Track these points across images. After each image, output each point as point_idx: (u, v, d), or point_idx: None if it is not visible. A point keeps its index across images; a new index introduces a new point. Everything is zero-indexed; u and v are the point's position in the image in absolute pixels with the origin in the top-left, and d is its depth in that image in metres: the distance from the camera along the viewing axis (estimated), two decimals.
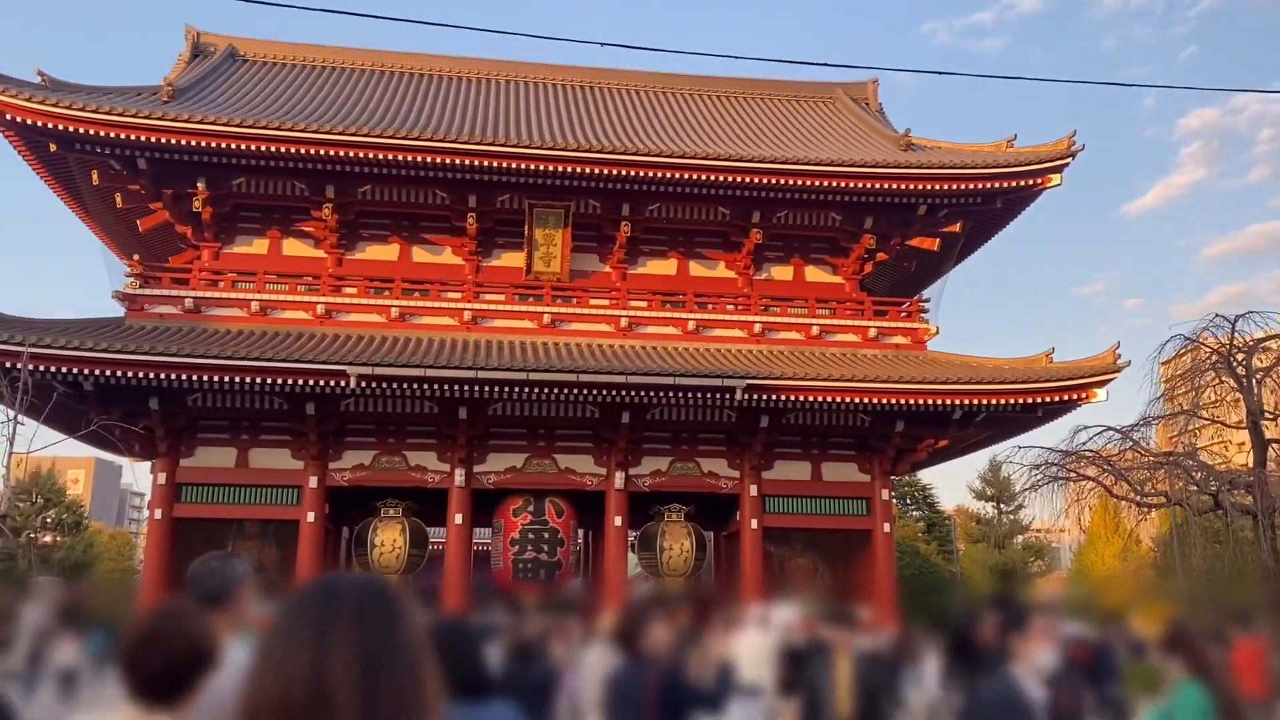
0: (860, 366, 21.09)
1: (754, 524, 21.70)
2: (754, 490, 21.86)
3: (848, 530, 22.16)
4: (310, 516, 20.50)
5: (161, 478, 20.42)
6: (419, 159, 20.01)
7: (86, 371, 18.17)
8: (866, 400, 20.10)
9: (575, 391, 19.50)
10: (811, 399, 19.99)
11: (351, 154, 19.77)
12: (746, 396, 19.51)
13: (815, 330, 22.80)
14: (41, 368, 17.75)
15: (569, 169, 20.38)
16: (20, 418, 15.40)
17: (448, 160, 20.08)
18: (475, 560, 22.98)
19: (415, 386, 18.99)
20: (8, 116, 18.80)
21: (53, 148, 19.64)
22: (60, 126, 18.91)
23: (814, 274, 24.22)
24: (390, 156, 19.91)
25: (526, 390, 19.39)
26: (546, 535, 21.46)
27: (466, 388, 19.09)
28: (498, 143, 20.04)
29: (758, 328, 22.49)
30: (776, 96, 28.16)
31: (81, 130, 18.99)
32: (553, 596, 21.77)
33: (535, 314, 21.90)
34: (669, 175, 20.66)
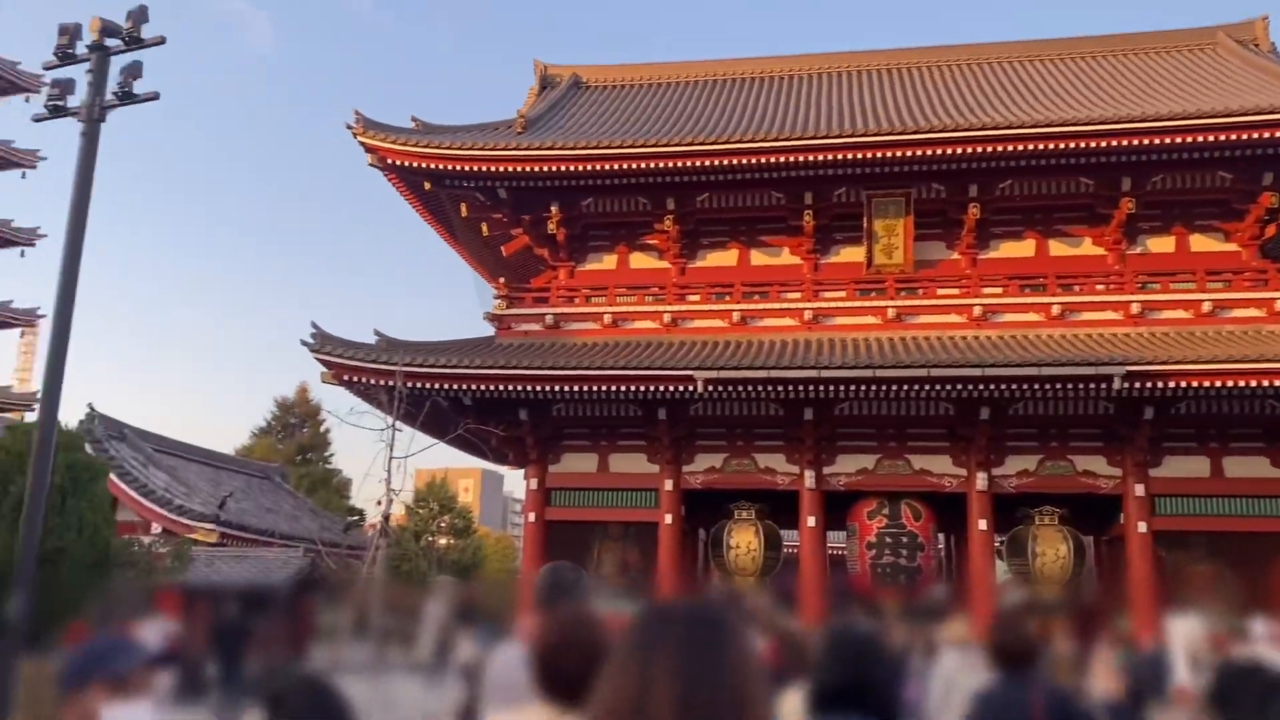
0: (1269, 345, 18.25)
1: (1141, 527, 19.45)
2: (1140, 490, 19.59)
3: (1261, 533, 19.24)
4: (668, 518, 21.01)
5: (533, 483, 21.84)
6: (754, 161, 19.96)
7: (463, 387, 19.83)
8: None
9: (926, 388, 18.50)
10: (1208, 385, 17.56)
11: (688, 164, 20.11)
12: (1126, 385, 17.50)
13: (1207, 307, 20.07)
14: (425, 385, 19.62)
15: (912, 153, 19.42)
16: (403, 428, 17.03)
17: (782, 159, 19.87)
18: (831, 564, 22.49)
19: (760, 389, 18.90)
20: (389, 161, 20.99)
21: (427, 186, 21.69)
22: (432, 165, 20.84)
23: (1201, 243, 21.37)
24: (726, 162, 20.03)
25: (873, 388, 18.68)
26: (904, 539, 20.52)
27: (811, 388, 18.72)
28: (832, 135, 19.55)
29: (1135, 308, 20.17)
30: (1141, 50, 25.27)
31: (450, 167, 20.81)
32: (915, 603, 20.87)
33: (878, 309, 21.08)
34: (1024, 148, 19.08)
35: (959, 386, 18.33)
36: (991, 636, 4.72)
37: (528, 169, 20.66)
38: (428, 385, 19.80)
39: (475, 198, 22.17)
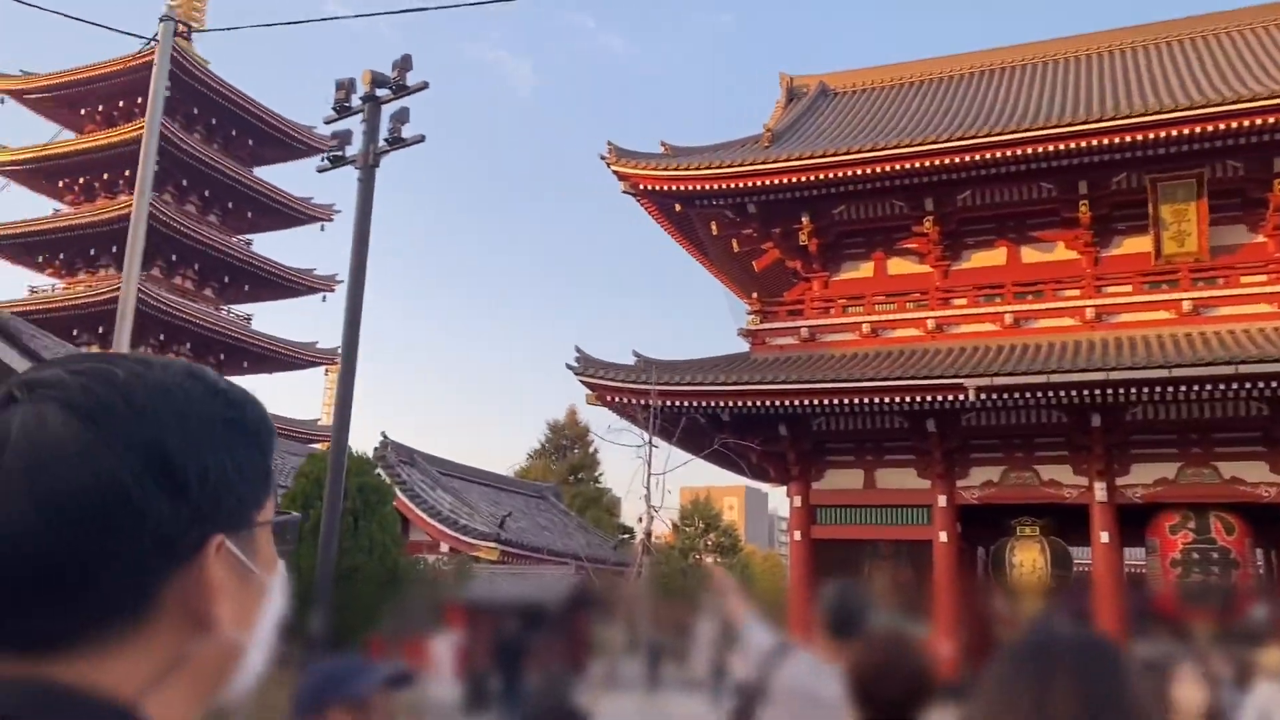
0: None
1: None
2: None
3: None
4: (942, 536, 20.00)
5: (797, 500, 21.44)
6: (1025, 152, 18.69)
7: (721, 403, 19.79)
8: None
9: (1235, 387, 16.54)
10: None
11: (950, 161, 19.14)
12: None
13: None
14: (683, 402, 19.74)
15: (1209, 129, 17.52)
16: (662, 445, 17.12)
17: (1053, 148, 18.47)
18: (1128, 582, 20.55)
19: (1038, 395, 17.60)
20: (641, 186, 21.37)
21: (678, 207, 21.92)
22: (681, 187, 21.03)
23: None
24: (989, 156, 18.90)
25: (1171, 390, 16.90)
26: (1215, 555, 18.43)
27: (1097, 392, 17.22)
28: (1113, 116, 17.96)
29: None
30: None
31: (698, 187, 20.91)
32: (1230, 625, 18.67)
33: (1171, 302, 19.13)
34: None
35: (1275, 384, 16.26)
36: None
37: (776, 182, 20.40)
38: (685, 403, 19.92)
39: (725, 215, 22.16)
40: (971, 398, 17.58)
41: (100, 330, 41.39)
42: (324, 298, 49.34)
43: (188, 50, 45.69)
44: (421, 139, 10.01)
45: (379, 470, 19.11)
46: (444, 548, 21.84)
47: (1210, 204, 19.18)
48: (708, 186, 20.92)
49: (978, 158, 18.89)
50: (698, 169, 20.72)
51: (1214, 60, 21.37)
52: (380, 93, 9.80)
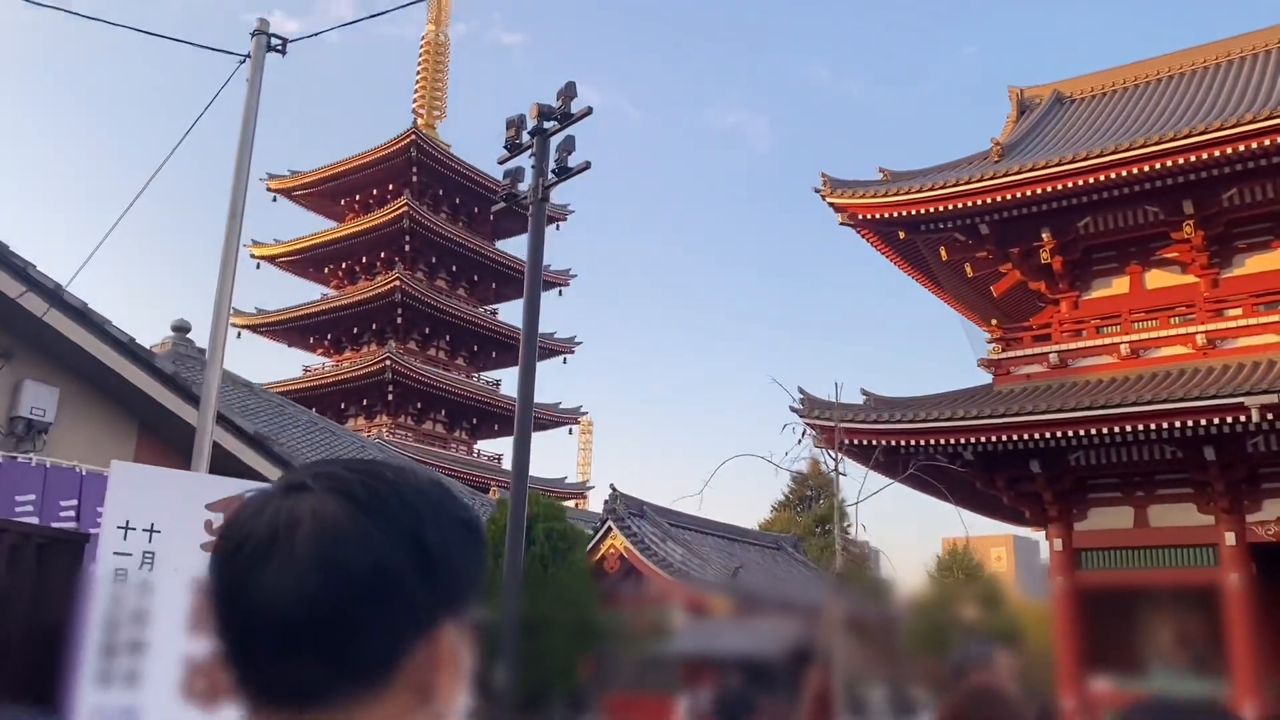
0: None
1: None
2: None
3: None
4: (1233, 579, 17.49)
5: (1057, 544, 19.49)
6: None
7: (963, 440, 18.34)
8: None
9: None
10: None
11: (1207, 155, 17.05)
12: None
13: None
14: (919, 441, 18.46)
15: None
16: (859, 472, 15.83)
17: None
18: None
19: None
20: (860, 216, 20.44)
21: (901, 235, 20.78)
22: (904, 213, 19.92)
23: None
24: (1263, 144, 16.66)
25: None
26: None
27: None
28: None
29: None
30: None
31: (923, 210, 19.74)
32: None
33: None
34: None
35: None
36: None
37: (1010, 197, 18.91)
38: (923, 441, 18.62)
39: (955, 238, 20.79)
40: (1255, 418, 15.31)
41: (364, 402, 44.52)
42: (564, 360, 50.99)
43: (433, 137, 49.04)
44: (587, 166, 9.80)
45: (608, 523, 19.01)
46: (675, 600, 21.43)
47: None
48: (933, 209, 19.70)
49: (1240, 149, 16.69)
50: (920, 192, 19.58)
51: None
52: (547, 125, 9.73)
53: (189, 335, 16.78)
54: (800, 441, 15.88)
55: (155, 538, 4.42)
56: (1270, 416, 15.40)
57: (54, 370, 7.63)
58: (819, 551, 51.21)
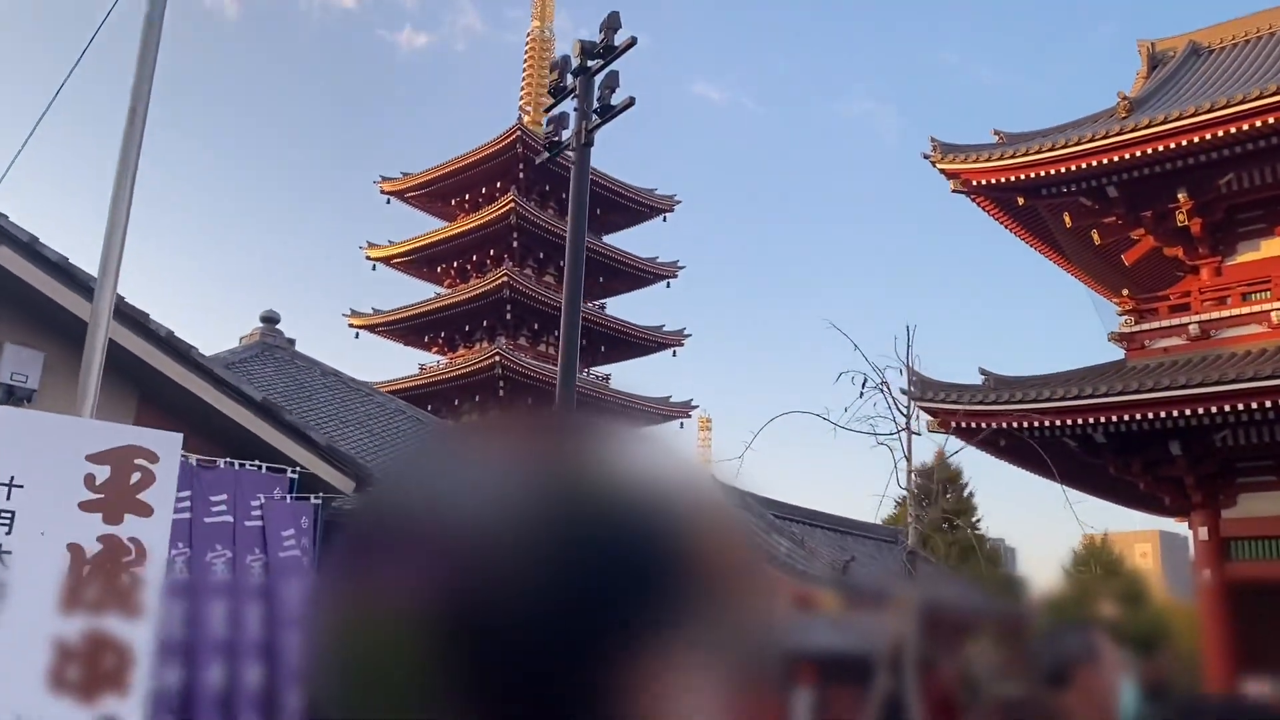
0: None
1: None
2: None
3: None
4: None
5: (1202, 533, 17.75)
6: None
7: (1094, 420, 16.84)
8: None
9: None
10: None
11: None
12: None
13: None
14: (1045, 423, 17.04)
15: None
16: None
17: None
18: None
19: None
20: (973, 182, 19.05)
21: (1020, 201, 19.30)
22: (1022, 176, 18.46)
23: None
24: None
25: None
26: None
27: None
28: None
29: None
30: None
31: (1043, 173, 18.24)
32: None
33: None
34: None
35: None
36: None
37: (1140, 154, 17.27)
38: (1050, 423, 17.17)
39: (1079, 203, 19.18)
40: None
41: (477, 398, 44.76)
42: (674, 353, 50.26)
43: (537, 133, 48.97)
44: (631, 103, 8.95)
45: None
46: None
47: None
48: (1053, 172, 18.17)
49: None
50: (1039, 153, 18.08)
51: None
52: (591, 64, 8.94)
53: (278, 325, 16.67)
54: (862, 395, 13.93)
55: (16, 494, 3.78)
56: None
57: (38, 333, 7.25)
58: (946, 547, 49.12)
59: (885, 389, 11.53)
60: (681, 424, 50.15)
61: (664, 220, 52.52)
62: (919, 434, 11.40)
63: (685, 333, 49.73)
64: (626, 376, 52.34)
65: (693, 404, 49.22)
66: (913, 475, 10.41)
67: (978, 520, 51.73)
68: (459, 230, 47.60)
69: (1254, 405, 15.18)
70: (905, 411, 11.17)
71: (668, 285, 50.92)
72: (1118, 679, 3.55)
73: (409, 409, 17.22)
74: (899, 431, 11.19)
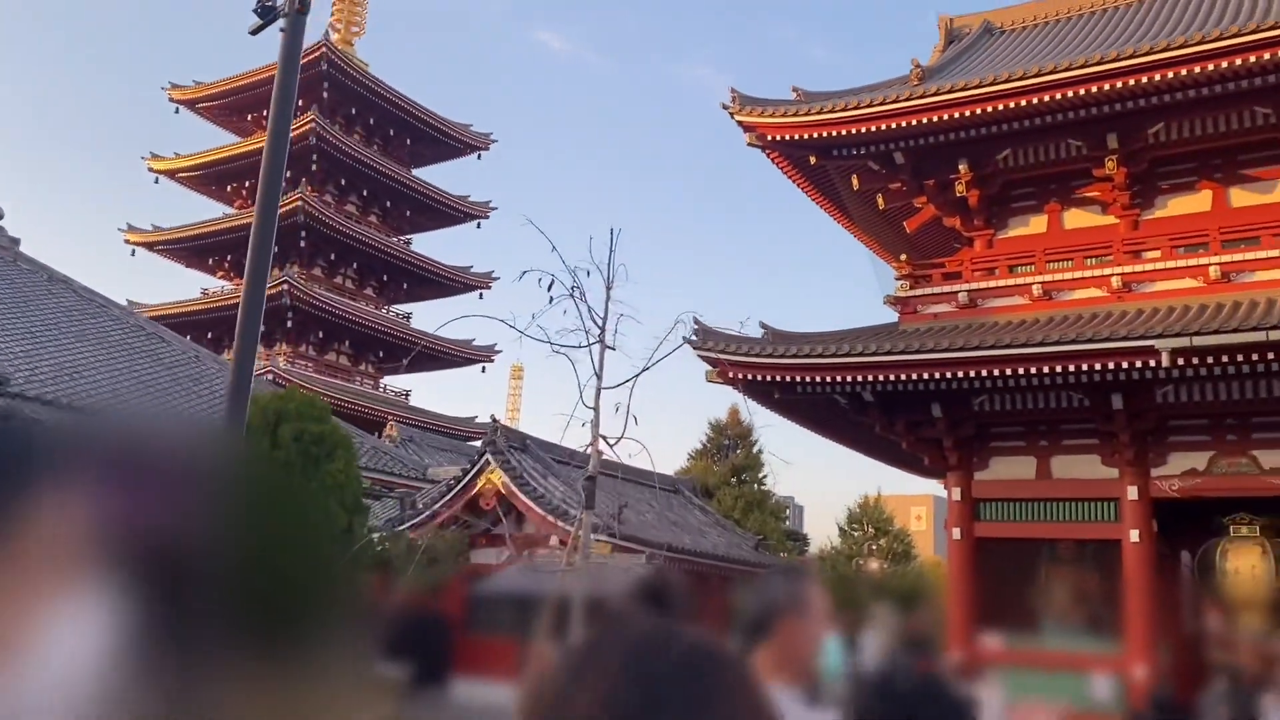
0: None
1: None
2: None
3: None
4: (1134, 535, 16.65)
5: (955, 493, 18.50)
6: (1227, 66, 15.23)
7: (863, 378, 17.15)
8: None
9: None
10: None
11: (1134, 83, 15.85)
12: None
13: None
14: (818, 378, 17.28)
15: None
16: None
17: (1267, 56, 14.93)
18: None
19: (1256, 360, 14.15)
20: (769, 137, 18.98)
21: (813, 160, 19.39)
22: (816, 134, 18.50)
23: None
24: (1189, 73, 15.50)
25: None
26: None
27: None
28: None
29: None
30: None
31: (835, 133, 18.34)
32: None
33: None
34: None
35: None
36: None
37: (927, 120, 17.57)
38: (821, 379, 17.41)
39: (868, 167, 19.46)
40: (1166, 362, 14.29)
41: (263, 329, 42.25)
42: (480, 295, 49.09)
43: (348, 54, 46.38)
44: None
45: (485, 456, 17.47)
46: (553, 540, 20.09)
47: None
48: (846, 132, 18.30)
49: (1170, 75, 15.51)
50: (833, 112, 18.15)
51: None
52: None
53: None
54: (551, 300, 11.74)
55: None
56: (1181, 362, 14.41)
57: None
58: (733, 501, 50.46)
59: (577, 294, 10.20)
60: (484, 369, 49.17)
61: (479, 158, 51.06)
62: (614, 348, 10.22)
63: (494, 275, 48.65)
64: (430, 316, 50.73)
65: (496, 348, 48.30)
66: (601, 393, 9.30)
67: (764, 476, 53.40)
68: (254, 147, 44.57)
69: (1007, 371, 15.78)
70: (600, 323, 9.95)
71: (478, 226, 49.58)
72: (821, 631, 3.11)
73: (151, 326, 15.70)
74: (591, 344, 10.06)
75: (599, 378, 8.57)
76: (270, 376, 38.60)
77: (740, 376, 18.10)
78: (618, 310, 8.99)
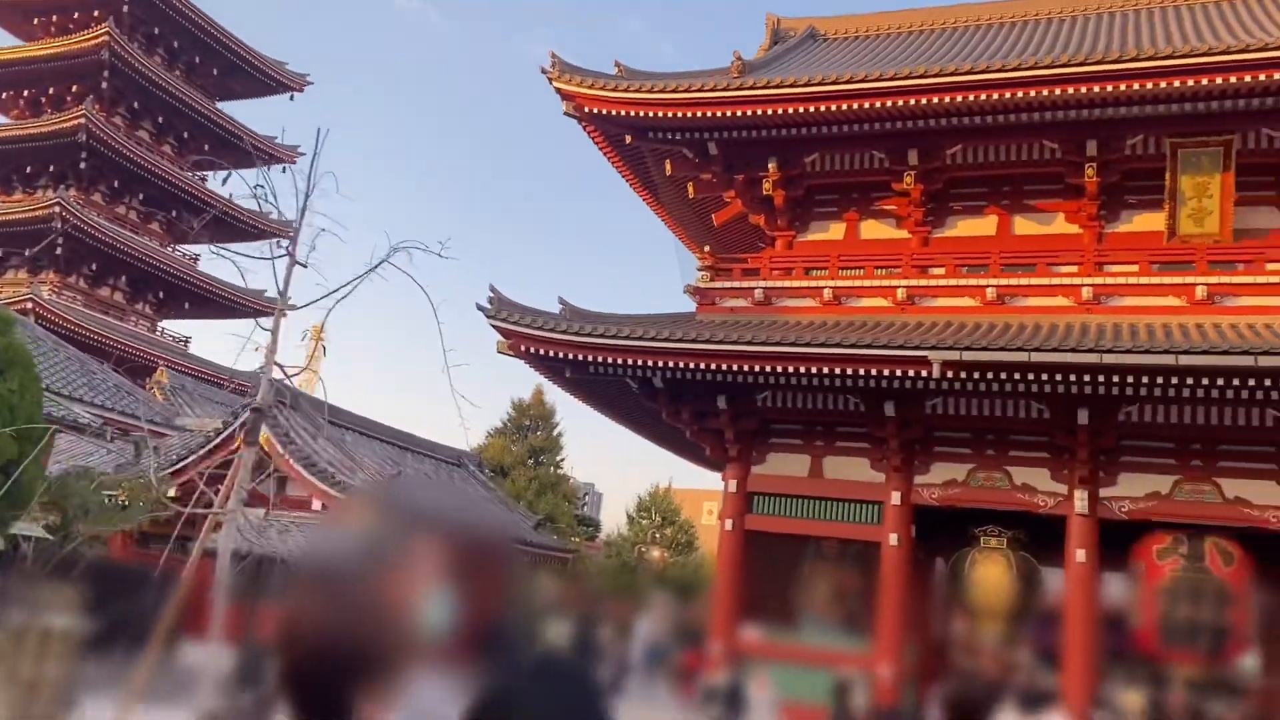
0: None
1: None
2: None
3: None
4: (893, 539, 17.23)
5: (732, 485, 18.66)
6: (1020, 96, 15.91)
7: (653, 363, 17.00)
8: None
9: (1249, 384, 13.79)
10: None
11: (937, 101, 16.34)
12: None
13: None
14: (610, 359, 17.02)
15: (1235, 80, 14.75)
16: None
17: (1058, 92, 15.68)
18: (1104, 612, 17.83)
19: (1017, 380, 14.83)
20: (587, 109, 18.56)
21: (628, 139, 19.11)
22: (633, 113, 18.23)
23: None
24: (985, 98, 16.11)
25: (1174, 383, 14.12)
26: (1208, 588, 15.68)
27: (1087, 382, 14.44)
28: (1130, 57, 15.17)
29: None
30: None
31: (652, 114, 18.12)
32: (1216, 672, 15.99)
33: (1183, 287, 16.33)
34: None
35: None
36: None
37: (742, 114, 17.61)
38: (614, 360, 17.15)
39: (682, 153, 19.36)
40: (936, 373, 14.77)
41: (26, 252, 38.52)
42: (280, 244, 46.43)
43: None
44: None
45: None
46: (316, 505, 19.07)
47: (1237, 180, 16.45)
48: (663, 114, 18.10)
49: (965, 99, 16.09)
50: (651, 92, 17.91)
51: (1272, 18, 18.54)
52: None
53: None
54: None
55: None
56: (950, 375, 14.92)
57: None
58: (527, 482, 49.96)
59: (264, 194, 8.49)
60: (258, 323, 46.51)
61: (291, 99, 48.34)
62: (305, 265, 8.74)
63: (289, 220, 46.02)
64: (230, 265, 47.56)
65: (290, 300, 45.70)
66: (284, 315, 7.92)
67: (562, 459, 53.17)
68: (37, 54, 40.59)
69: (790, 369, 15.98)
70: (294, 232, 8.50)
71: (284, 170, 46.78)
72: (425, 591, 2.66)
73: None
74: (277, 257, 8.74)
75: (282, 296, 7.68)
76: (30, 305, 35.22)
77: (533, 350, 17.63)
78: (320, 225, 8.02)
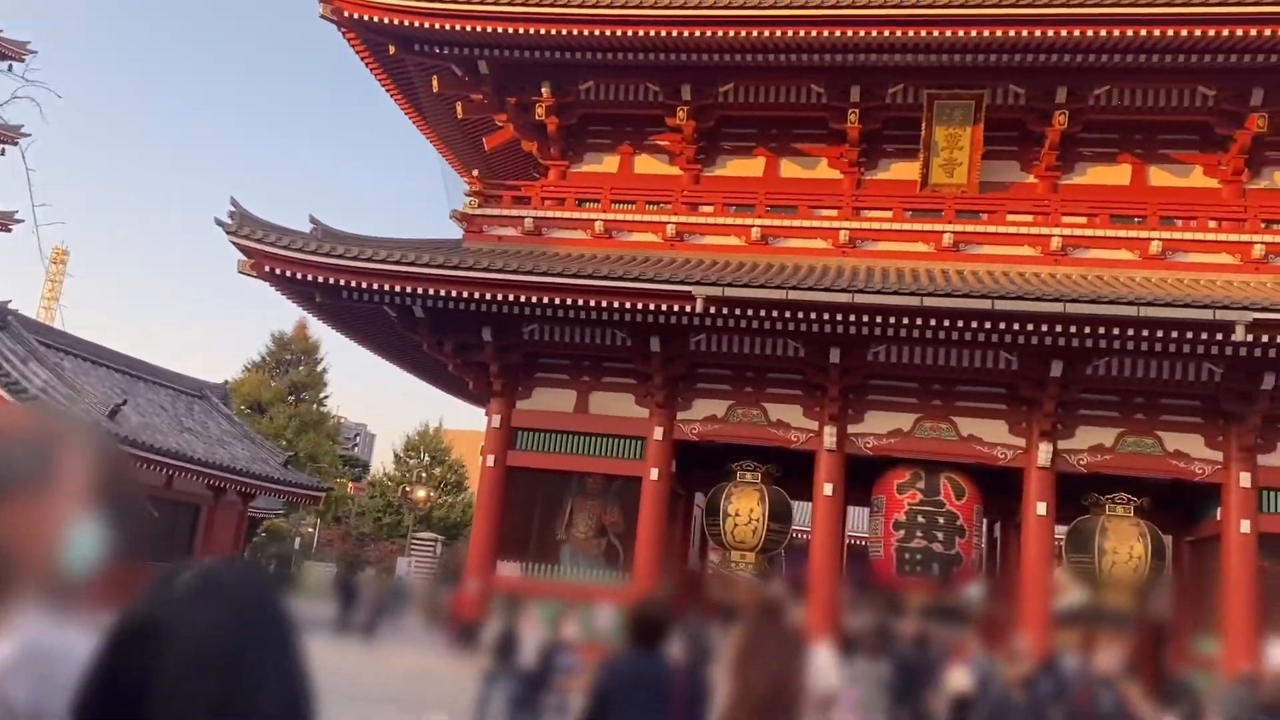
0: None
1: (1243, 526, 15.42)
2: (1245, 480, 15.56)
3: None
4: (654, 473, 17.26)
5: (495, 420, 18.15)
6: (786, 35, 15.95)
7: (413, 290, 16.14)
8: None
9: (987, 328, 14.56)
10: None
11: (711, 35, 16.15)
12: (1250, 338, 13.45)
13: None
14: (366, 285, 16.01)
15: (986, 34, 15.34)
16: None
17: (822, 34, 15.83)
18: (848, 543, 18.71)
19: (775, 317, 15.03)
20: (346, 14, 17.22)
21: (392, 50, 17.90)
22: (397, 21, 17.04)
23: None
24: (752, 35, 16.04)
25: (919, 325, 14.74)
26: (941, 520, 16.64)
27: (839, 321, 14.83)
28: (892, 5, 15.46)
29: (1258, 251, 16.04)
30: None
31: (419, 25, 17.00)
32: (946, 599, 17.04)
33: (931, 234, 17.08)
34: (1147, 36, 14.90)
35: (1029, 329, 14.37)
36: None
37: (514, 31, 16.81)
38: (370, 285, 16.15)
39: (450, 70, 18.37)
40: (700, 308, 14.76)
41: None
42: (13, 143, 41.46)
43: None
44: None
45: None
46: None
47: (986, 135, 17.25)
48: (430, 25, 17.01)
49: (733, 35, 15.97)
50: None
51: None
52: None
53: None
54: None
55: None
56: (713, 311, 14.95)
57: None
58: (287, 420, 47.52)
59: None
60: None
61: (10, 69, 42.82)
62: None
63: (23, 130, 41.17)
64: None
65: (17, 215, 41.06)
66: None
67: (326, 396, 50.90)
68: None
69: (556, 301, 15.56)
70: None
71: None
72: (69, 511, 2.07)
73: None
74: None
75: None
76: None
77: (278, 272, 16.36)
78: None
